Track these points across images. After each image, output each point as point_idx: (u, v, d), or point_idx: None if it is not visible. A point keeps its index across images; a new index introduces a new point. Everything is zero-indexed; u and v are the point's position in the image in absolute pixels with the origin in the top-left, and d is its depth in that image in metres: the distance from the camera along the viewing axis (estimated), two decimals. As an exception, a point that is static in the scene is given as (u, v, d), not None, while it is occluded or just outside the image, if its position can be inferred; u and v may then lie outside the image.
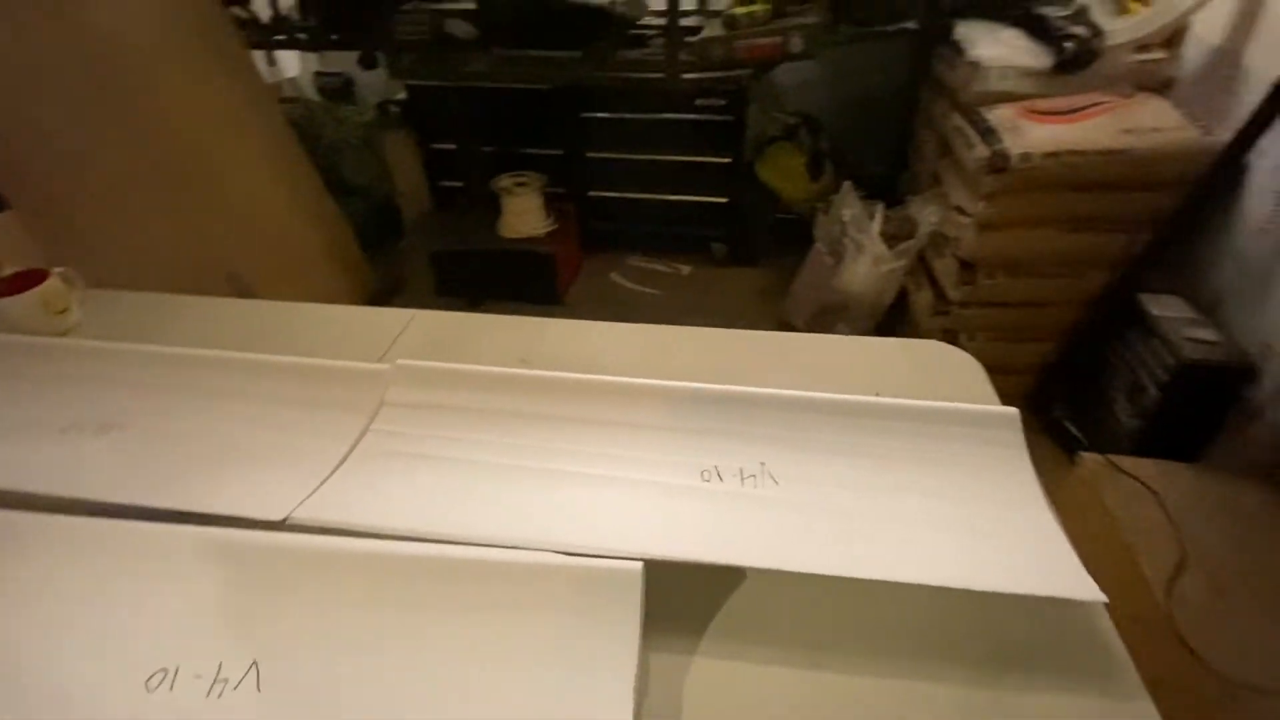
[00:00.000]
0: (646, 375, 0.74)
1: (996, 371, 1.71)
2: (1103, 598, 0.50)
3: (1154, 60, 1.48)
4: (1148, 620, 1.05)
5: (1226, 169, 1.25)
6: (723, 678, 0.49)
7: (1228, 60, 1.37)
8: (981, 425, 0.65)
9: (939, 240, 1.63)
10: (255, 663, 0.47)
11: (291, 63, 2.64)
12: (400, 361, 0.73)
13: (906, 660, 0.49)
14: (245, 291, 1.69)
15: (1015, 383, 1.65)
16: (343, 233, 2.06)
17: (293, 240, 1.88)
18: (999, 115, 1.47)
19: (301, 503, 0.58)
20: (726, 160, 2.05)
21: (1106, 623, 0.52)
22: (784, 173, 2.13)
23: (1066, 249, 1.45)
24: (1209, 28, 1.42)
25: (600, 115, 2.02)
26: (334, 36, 2.03)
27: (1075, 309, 1.51)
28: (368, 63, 2.22)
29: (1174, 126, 1.35)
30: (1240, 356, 1.23)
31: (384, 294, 2.13)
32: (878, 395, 0.72)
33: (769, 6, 1.63)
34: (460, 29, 1.87)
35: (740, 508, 0.59)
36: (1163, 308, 1.35)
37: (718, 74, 1.73)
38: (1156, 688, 1.05)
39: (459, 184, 2.23)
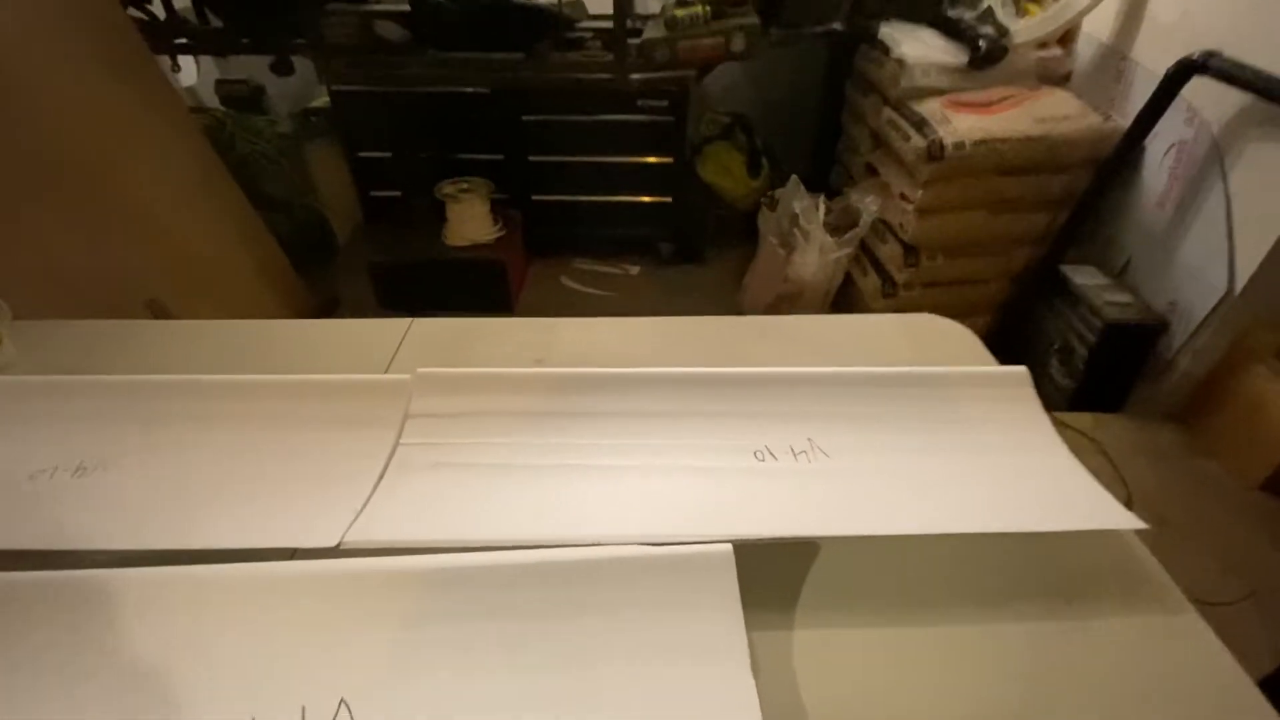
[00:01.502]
0: (665, 364, 0.75)
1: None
2: (1141, 524, 0.55)
3: (1053, 57, 1.65)
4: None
5: (1127, 151, 1.40)
6: (824, 646, 0.50)
7: (1116, 54, 1.54)
8: (998, 385, 0.70)
9: (880, 227, 1.73)
10: (343, 700, 0.44)
11: (189, 70, 2.43)
12: (420, 370, 0.70)
13: (979, 606, 0.53)
14: (167, 318, 1.54)
15: (957, 355, 1.78)
16: (271, 250, 1.92)
17: (217, 259, 1.73)
18: (929, 108, 1.58)
19: (351, 524, 0.54)
20: (669, 160, 2.09)
21: (1143, 549, 0.57)
22: (724, 171, 2.19)
23: (995, 229, 1.59)
24: (1098, 26, 1.60)
25: (541, 118, 2.00)
26: (245, 40, 1.89)
27: (1007, 284, 1.65)
28: (282, 69, 2.09)
29: (1079, 114, 1.50)
30: (1153, 315, 1.39)
31: (321, 312, 2.01)
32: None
33: (708, 8, 1.67)
34: (390, 31, 1.79)
35: (800, 482, 0.60)
36: (1083, 277, 1.50)
37: (663, 75, 1.75)
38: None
39: (393, 194, 2.13)
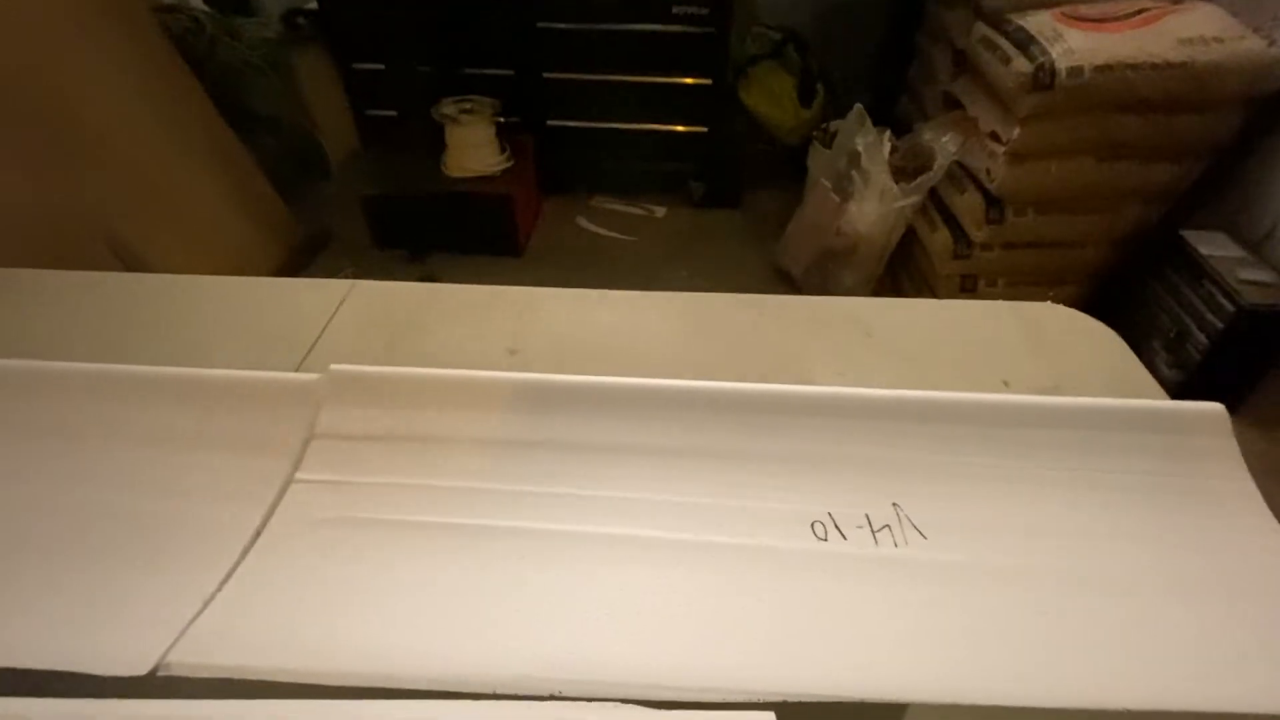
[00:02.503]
0: (685, 363, 0.53)
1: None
2: None
3: (1202, -41, 1.29)
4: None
5: (1304, 84, 1.09)
6: None
7: (1294, -44, 1.19)
8: (1184, 431, 0.47)
9: (957, 173, 1.44)
10: None
11: (167, -39, 2.15)
12: (334, 367, 0.49)
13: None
14: (133, 258, 1.36)
15: (1034, 331, 1.51)
16: (252, 176, 1.70)
17: (188, 189, 1.52)
18: (1037, 22, 1.26)
19: (184, 632, 0.35)
20: (707, 82, 1.78)
21: None
22: (772, 97, 1.88)
23: (1104, 180, 1.29)
24: (1269, -83, 1.23)
25: (559, 26, 1.70)
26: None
27: (1108, 249, 1.37)
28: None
29: (1235, 36, 1.17)
30: (1302, 299, 1.11)
31: (309, 249, 1.80)
32: (1006, 385, 0.54)
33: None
34: (380, -89, 1.49)
35: (884, 585, 0.39)
36: (1211, 246, 1.22)
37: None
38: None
39: (391, 113, 1.88)
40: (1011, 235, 1.36)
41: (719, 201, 2.03)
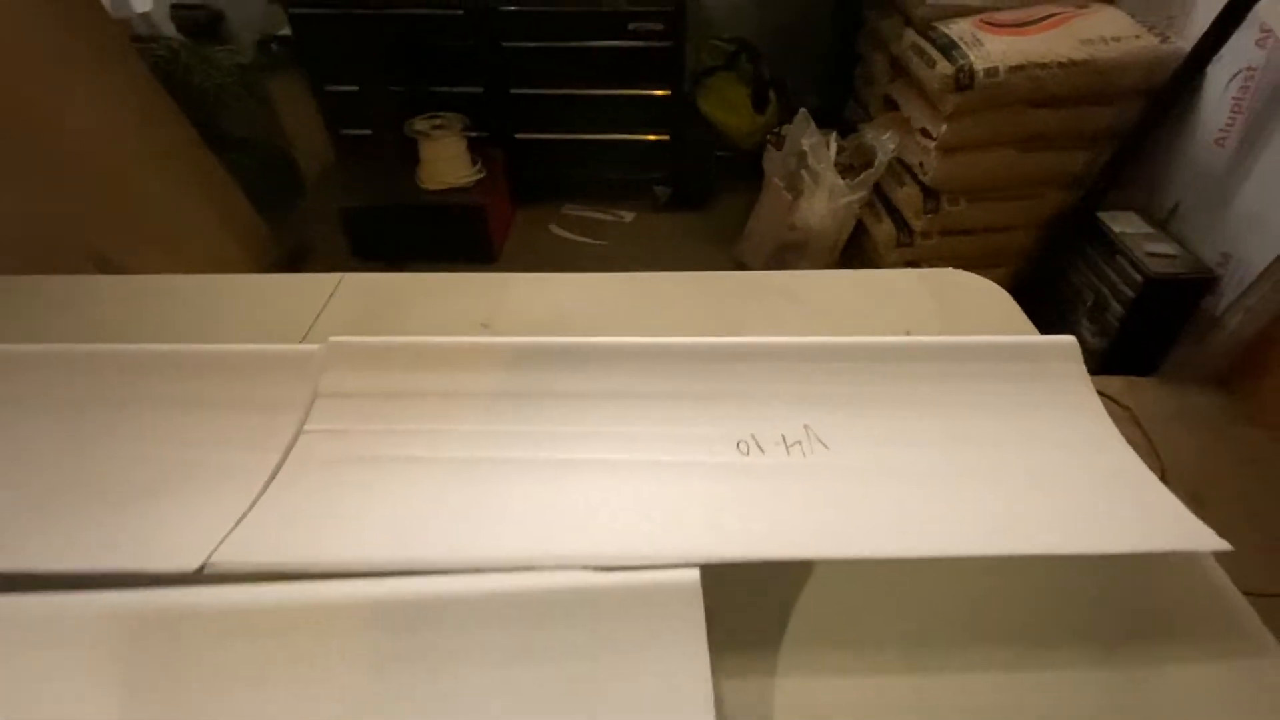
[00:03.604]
0: (638, 331, 0.62)
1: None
2: (1226, 545, 0.43)
3: (1102, -32, 1.44)
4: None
5: (1188, 78, 1.22)
6: (812, 700, 0.39)
7: (1179, -36, 1.33)
8: (1039, 358, 0.57)
9: (897, 168, 1.56)
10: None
11: (140, -7, 2.22)
12: (333, 339, 0.57)
13: (1015, 646, 0.42)
14: (115, 271, 1.41)
15: (975, 311, 1.64)
16: (230, 194, 1.76)
17: (169, 206, 1.59)
18: (958, 29, 1.39)
19: (224, 539, 0.43)
20: (666, 93, 1.89)
21: (1220, 573, 0.46)
22: (727, 105, 2.00)
23: (1027, 169, 1.42)
24: (1157, -70, 1.38)
25: (523, 45, 1.80)
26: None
27: (1034, 231, 1.49)
28: (238, -11, 1.88)
29: (1131, 35, 1.31)
30: (1200, 267, 1.24)
31: (288, 263, 1.87)
32: (909, 334, 0.64)
33: (708, -90, 1.46)
34: (349, -59, 1.59)
35: (792, 482, 0.49)
36: (1123, 224, 1.35)
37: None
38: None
39: (365, 131, 1.96)
40: (948, 223, 1.48)
41: (684, 204, 2.14)
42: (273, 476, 0.49)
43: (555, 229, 2.10)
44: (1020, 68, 1.28)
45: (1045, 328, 1.60)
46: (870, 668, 0.41)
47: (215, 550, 0.42)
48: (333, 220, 1.89)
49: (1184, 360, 1.31)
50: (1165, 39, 1.29)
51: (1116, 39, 1.30)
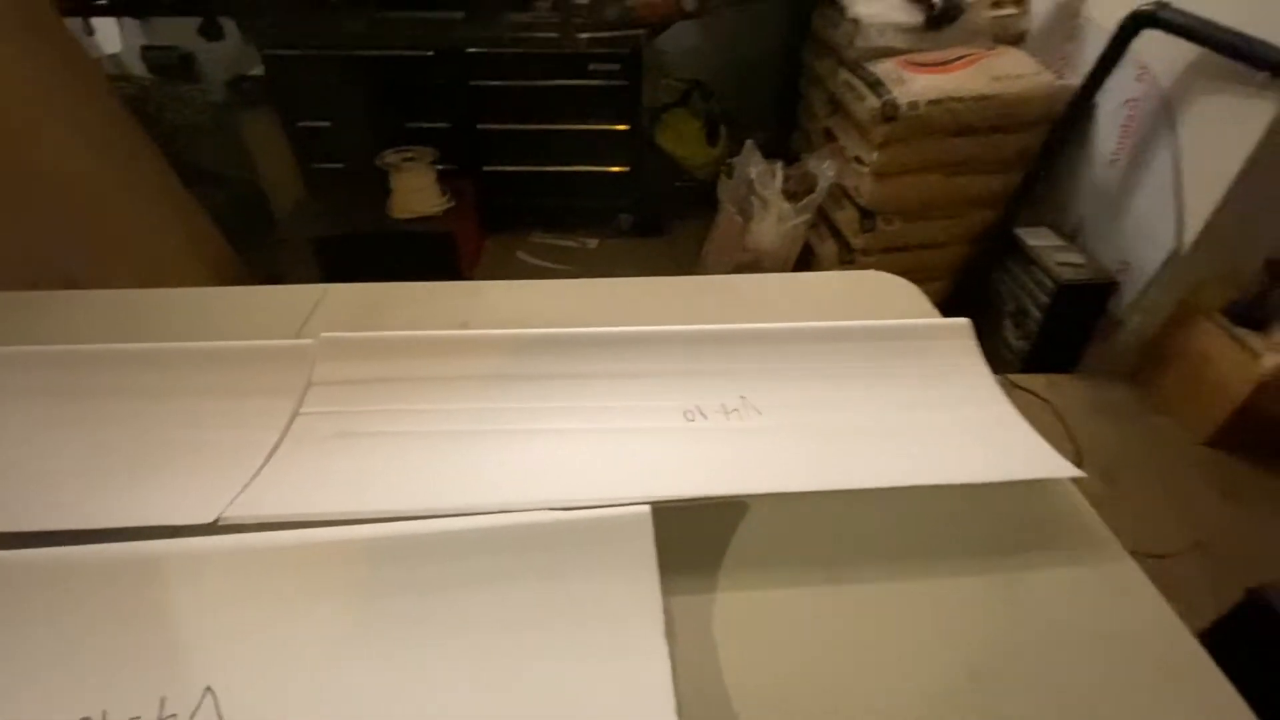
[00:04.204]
0: (596, 324, 0.70)
1: (904, 310, 1.77)
2: (1078, 473, 0.53)
3: (1008, 15, 1.62)
4: (1058, 515, 1.16)
5: (1079, 109, 1.39)
6: (747, 608, 0.47)
7: (1069, 12, 1.52)
8: (938, 337, 0.67)
9: (837, 193, 1.70)
10: (209, 688, 0.39)
11: (111, 35, 2.28)
12: (325, 335, 0.64)
13: (914, 561, 0.50)
14: (89, 298, 1.44)
15: (916, 322, 1.77)
16: (202, 225, 1.81)
17: (142, 236, 1.63)
18: (884, 69, 1.55)
19: (234, 499, 0.49)
20: (625, 128, 2.02)
21: (1080, 498, 0.55)
22: (682, 138, 2.14)
23: (952, 191, 1.56)
24: (1050, -16, 1.57)
25: (490, 83, 1.91)
26: (170, 0, 1.77)
27: (964, 247, 1.64)
28: (211, 33, 1.97)
29: (1033, 73, 1.48)
30: (1104, 274, 1.39)
31: (262, 292, 1.91)
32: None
33: (657, -36, 1.61)
34: (323, -11, 1.69)
35: (729, 440, 0.57)
36: (1036, 238, 1.50)
37: (613, 34, 1.68)
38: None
39: (335, 165, 2.03)
40: (885, 241, 1.62)
41: (646, 231, 2.26)
42: (274, 450, 0.55)
43: (523, 255, 2.19)
44: (938, 101, 1.44)
45: (980, 333, 1.77)
46: (792, 582, 0.48)
47: (228, 507, 0.48)
48: (304, 250, 1.94)
49: (1098, 358, 1.45)
50: (1060, 75, 1.47)
51: (1020, 76, 1.47)
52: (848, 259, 1.67)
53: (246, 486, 0.51)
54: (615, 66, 1.89)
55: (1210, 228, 1.18)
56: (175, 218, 1.72)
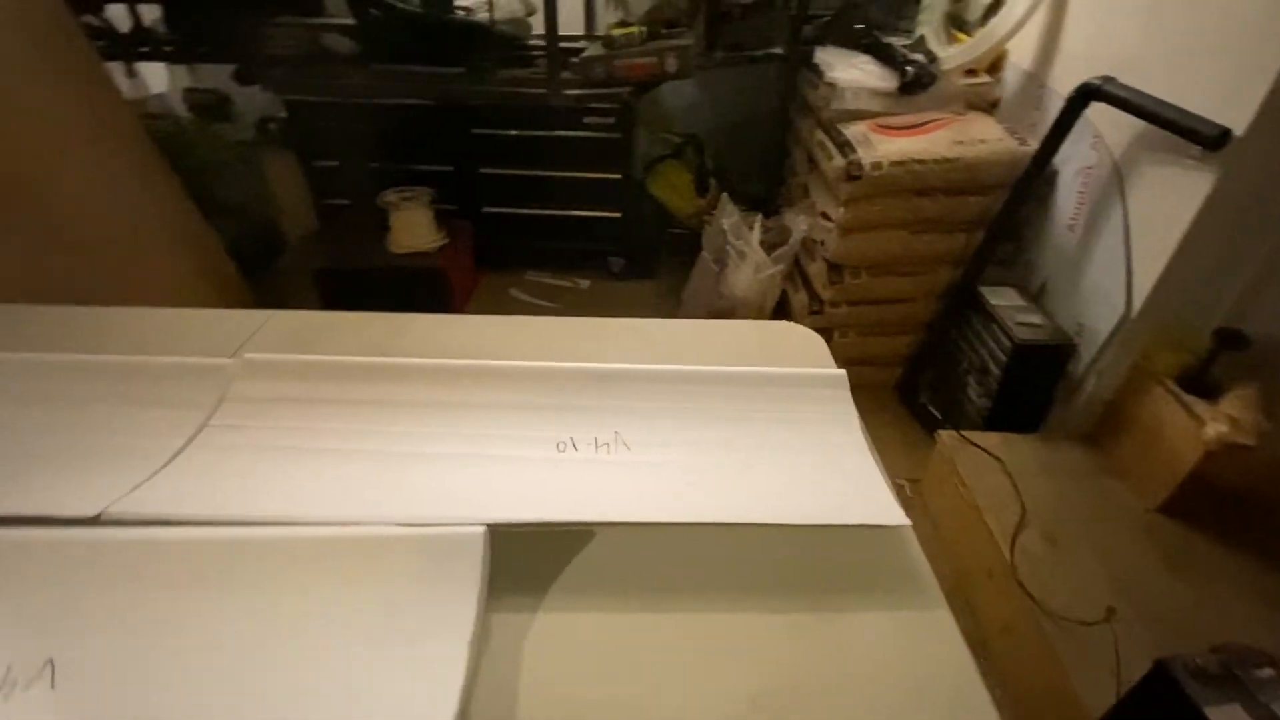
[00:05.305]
0: (511, 357, 0.75)
1: (867, 364, 1.83)
2: (904, 521, 0.55)
3: (982, 83, 1.68)
4: (997, 572, 1.16)
5: (1037, 173, 1.43)
6: (561, 629, 0.50)
7: (1036, 82, 1.58)
8: (814, 386, 0.71)
9: (810, 246, 1.75)
10: (50, 660, 0.44)
11: (159, 77, 2.49)
12: (247, 355, 0.71)
13: (733, 594, 0.53)
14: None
15: (886, 374, 1.79)
16: (215, 254, 1.94)
17: (156, 262, 1.75)
18: (854, 130, 1.61)
19: (120, 498, 0.55)
20: (616, 176, 2.12)
21: (915, 548, 0.57)
22: (673, 188, 2.23)
23: (917, 248, 1.60)
24: (1023, 55, 1.63)
25: (490, 132, 2.04)
26: (202, 49, 1.94)
27: (930, 303, 1.66)
28: (245, 78, 2.14)
29: (997, 138, 1.53)
30: (1062, 336, 1.40)
31: (265, 316, 2.02)
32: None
33: (644, 29, 1.72)
34: (339, 44, 1.84)
35: (591, 472, 0.61)
36: (1000, 298, 1.52)
37: (599, 91, 1.79)
38: (1006, 633, 1.15)
39: (344, 201, 2.17)
40: (852, 294, 1.66)
41: (636, 274, 2.33)
42: (173, 457, 0.61)
43: (516, 293, 2.28)
44: (901, 162, 1.49)
45: (943, 389, 1.79)
46: (613, 607, 0.51)
47: (112, 504, 0.54)
48: (308, 280, 2.06)
49: (1059, 419, 1.44)
50: (1024, 142, 1.51)
51: (984, 141, 1.52)
52: (816, 310, 1.70)
53: (137, 487, 0.56)
54: (609, 120, 2.00)
55: (1156, 294, 1.19)
56: (189, 246, 1.85)
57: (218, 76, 2.41)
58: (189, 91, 2.52)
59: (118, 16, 1.94)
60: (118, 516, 0.53)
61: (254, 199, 2.31)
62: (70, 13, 1.58)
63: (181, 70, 2.57)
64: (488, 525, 0.53)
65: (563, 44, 1.81)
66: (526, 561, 0.54)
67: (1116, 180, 1.29)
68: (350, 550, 0.51)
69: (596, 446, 0.64)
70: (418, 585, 0.49)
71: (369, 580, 0.50)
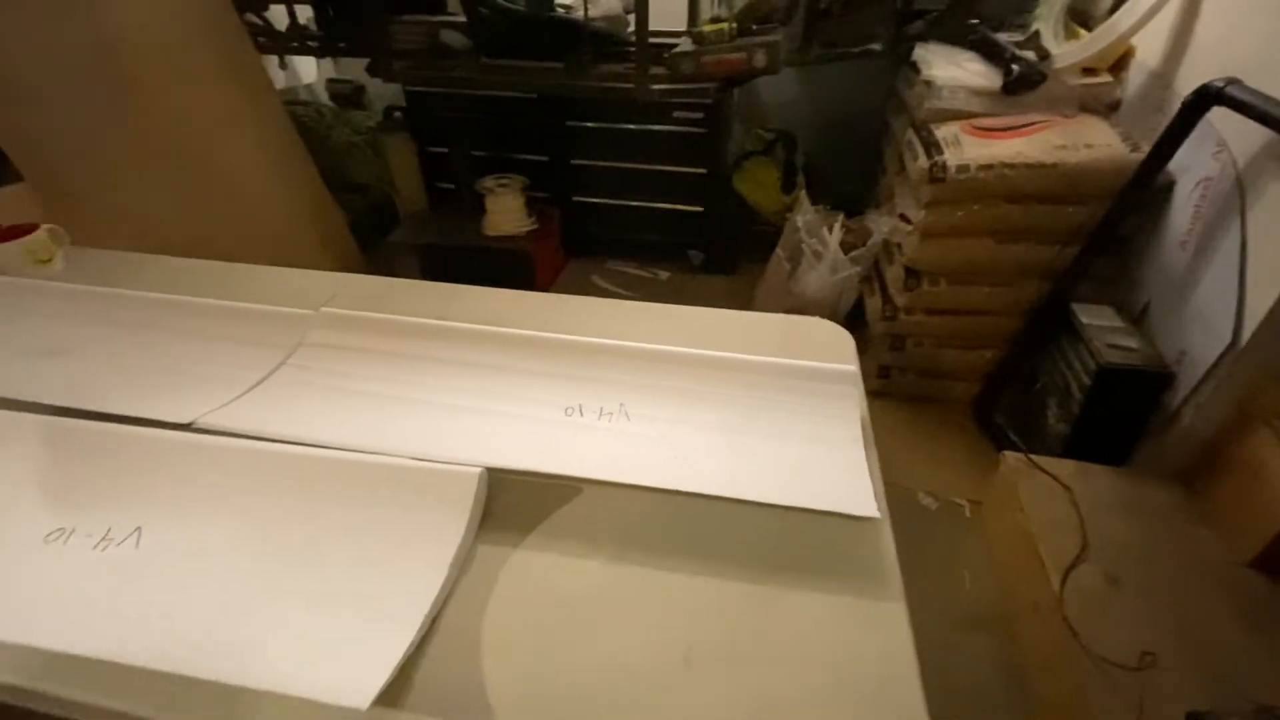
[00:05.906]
0: (547, 328, 0.82)
1: (942, 377, 1.76)
2: (875, 514, 0.56)
3: (1101, 84, 1.55)
4: (1044, 606, 1.09)
5: (1143, 182, 1.30)
6: (535, 566, 0.56)
7: (1161, 83, 1.43)
8: (825, 380, 0.72)
9: (890, 249, 1.70)
10: (139, 528, 0.56)
11: (309, 69, 2.82)
12: (324, 309, 0.82)
13: (701, 560, 0.56)
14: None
15: (961, 388, 1.70)
16: (338, 225, 2.18)
17: (287, 227, 2.00)
18: (946, 131, 1.55)
19: (210, 412, 0.67)
20: (702, 171, 2.15)
21: (889, 544, 0.58)
22: (758, 185, 2.22)
23: (1004, 258, 1.51)
24: (1150, 54, 1.49)
25: (584, 124, 2.13)
26: (341, 44, 2.18)
27: (1015, 317, 1.56)
28: (375, 70, 2.38)
29: (1105, 143, 1.41)
30: (1158, 362, 1.27)
31: (374, 285, 2.25)
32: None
33: (734, 26, 1.73)
34: (454, 39, 2.01)
35: (591, 436, 0.67)
36: (1093, 317, 1.40)
37: (684, 86, 1.83)
38: (1043, 671, 1.09)
39: (450, 186, 2.36)
40: (930, 302, 1.59)
41: (715, 268, 2.35)
42: (256, 385, 0.73)
43: (597, 279, 2.37)
44: (990, 166, 1.41)
45: (1022, 411, 1.71)
46: (581, 553, 0.57)
47: (201, 416, 0.66)
48: (414, 253, 2.26)
49: (1147, 454, 1.32)
50: (1136, 148, 1.38)
51: (1090, 146, 1.41)
52: (890, 315, 1.65)
53: (224, 405, 0.69)
54: (698, 115, 2.04)
55: (1269, 324, 1.07)
56: (317, 216, 2.10)
57: (355, 68, 2.69)
58: (331, 82, 2.83)
59: (276, 15, 2.22)
60: (205, 426, 0.65)
61: (376, 179, 2.56)
62: (235, 11, 1.84)
63: (326, 63, 2.89)
64: (487, 468, 0.60)
65: (659, 40, 1.87)
66: (519, 506, 0.60)
67: (1238, 195, 1.16)
68: (372, 474, 0.60)
69: (601, 414, 0.70)
70: (420, 508, 0.57)
71: (384, 498, 0.58)
